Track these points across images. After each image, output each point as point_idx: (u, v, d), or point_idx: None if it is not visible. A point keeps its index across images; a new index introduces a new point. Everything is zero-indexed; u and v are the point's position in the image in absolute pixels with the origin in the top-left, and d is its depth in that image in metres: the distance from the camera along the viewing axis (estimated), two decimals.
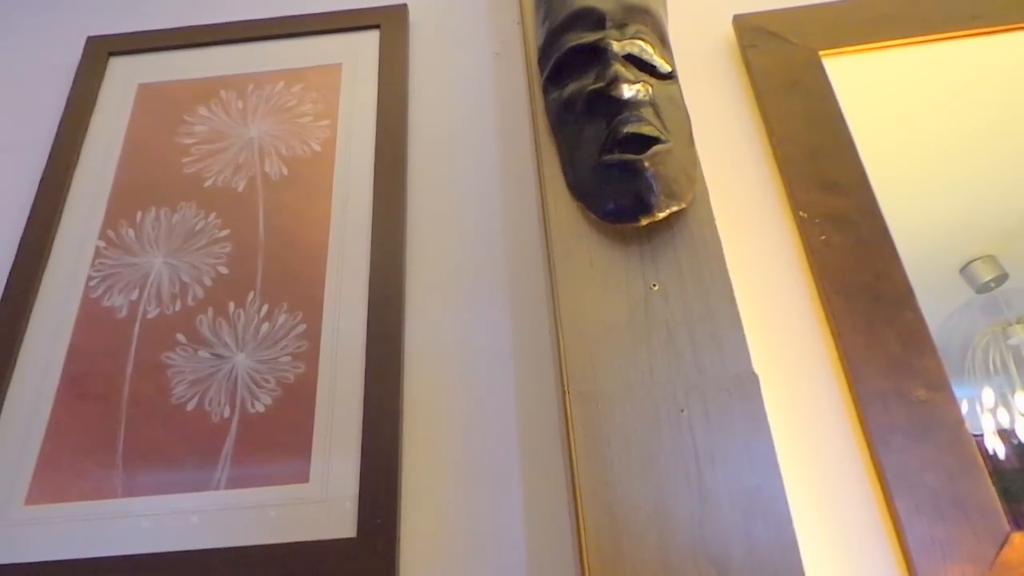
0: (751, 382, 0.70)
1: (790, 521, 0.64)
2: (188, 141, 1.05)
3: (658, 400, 0.70)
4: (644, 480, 0.66)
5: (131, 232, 0.98)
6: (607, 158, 0.79)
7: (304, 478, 0.79)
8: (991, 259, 0.88)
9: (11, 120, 1.12)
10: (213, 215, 0.98)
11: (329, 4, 1.17)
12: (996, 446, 0.78)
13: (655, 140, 0.78)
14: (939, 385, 0.76)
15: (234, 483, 0.80)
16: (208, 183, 1.01)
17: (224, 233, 0.97)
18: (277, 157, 1.02)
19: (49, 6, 1.26)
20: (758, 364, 0.72)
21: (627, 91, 0.80)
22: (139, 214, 0.99)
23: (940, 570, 0.67)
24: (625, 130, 0.78)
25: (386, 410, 0.81)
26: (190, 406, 0.85)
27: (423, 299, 0.90)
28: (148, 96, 1.11)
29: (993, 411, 0.80)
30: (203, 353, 0.88)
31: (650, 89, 0.82)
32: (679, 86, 0.89)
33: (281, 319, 0.90)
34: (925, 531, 0.69)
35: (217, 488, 0.80)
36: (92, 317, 0.92)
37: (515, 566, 0.74)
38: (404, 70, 1.07)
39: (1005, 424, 0.79)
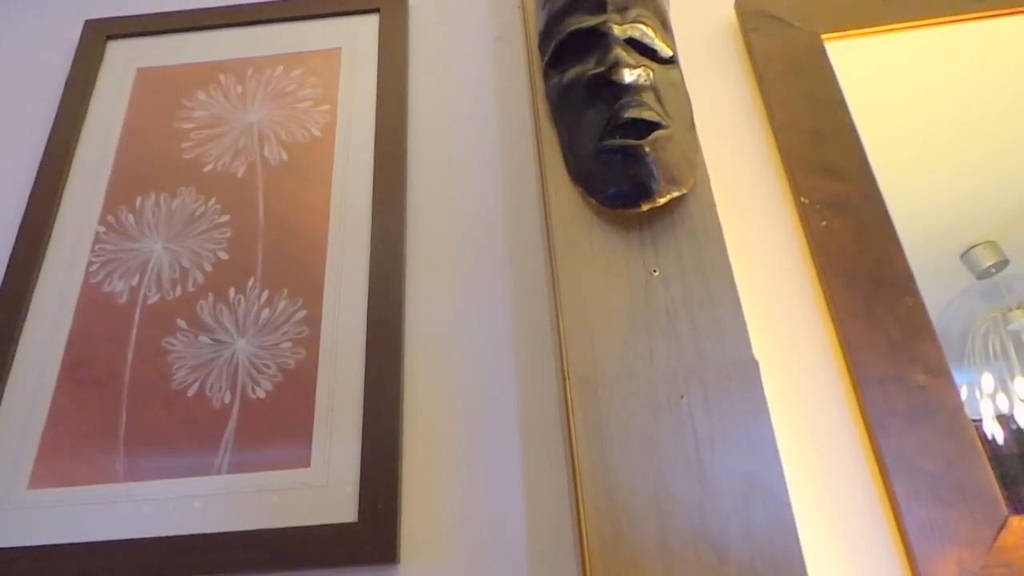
0: (751, 368, 0.70)
1: (789, 506, 0.64)
2: (187, 126, 1.05)
3: (658, 385, 0.70)
4: (644, 465, 0.66)
5: (131, 217, 0.98)
6: (608, 143, 0.79)
7: (305, 463, 0.80)
8: (992, 245, 0.88)
9: (9, 105, 1.12)
10: (213, 200, 0.98)
11: None
12: (995, 431, 0.78)
13: (656, 125, 0.78)
14: (939, 370, 0.76)
15: (236, 468, 0.80)
16: (208, 168, 1.01)
17: (224, 219, 0.97)
18: (277, 142, 1.02)
19: None
20: (758, 349, 0.72)
21: (628, 76, 0.80)
22: (139, 199, 0.99)
23: (938, 554, 0.68)
24: (626, 115, 0.78)
25: (387, 395, 0.82)
26: (191, 391, 0.85)
27: (423, 285, 0.90)
28: (147, 80, 1.10)
29: (992, 396, 0.80)
30: (204, 339, 0.88)
31: (651, 74, 0.82)
32: (680, 71, 0.88)
33: (281, 305, 0.90)
34: (924, 515, 0.69)
35: (219, 473, 0.80)
36: (92, 303, 0.92)
37: (515, 550, 0.74)
38: (404, 54, 1.07)
39: (1004, 409, 0.80)
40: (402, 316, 0.87)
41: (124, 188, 1.00)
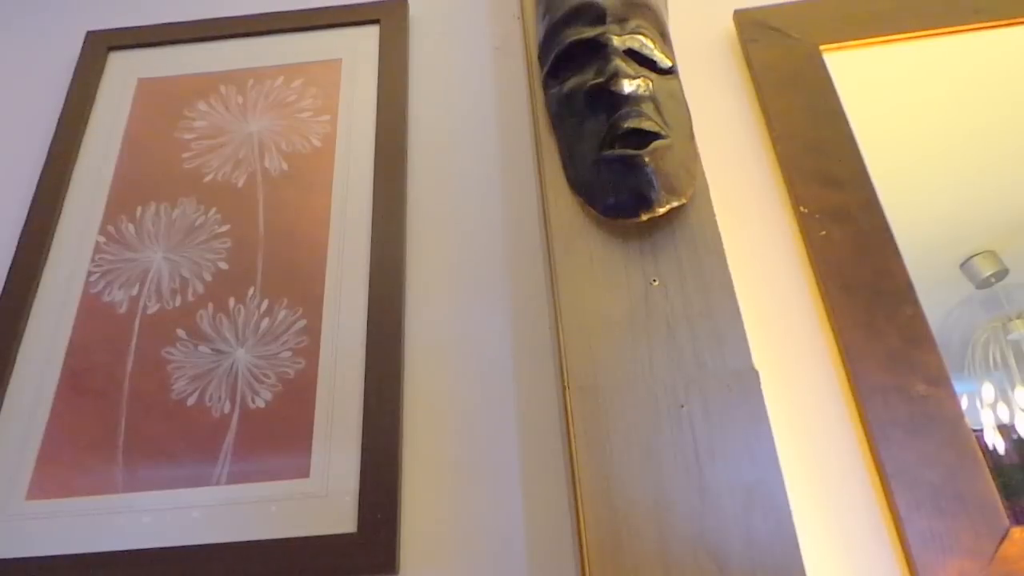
0: (751, 377, 0.70)
1: (790, 516, 0.64)
2: (188, 136, 1.05)
3: (658, 395, 0.70)
4: (644, 475, 0.66)
5: (131, 227, 0.98)
6: (607, 153, 0.79)
7: (304, 473, 0.79)
8: (991, 254, 0.88)
9: (10, 115, 1.12)
10: (213, 210, 0.98)
11: None
12: (996, 441, 0.78)
13: (655, 135, 0.78)
14: (939, 380, 0.76)
15: (235, 478, 0.80)
16: (208, 178, 1.01)
17: (224, 228, 0.97)
18: (277, 152, 1.02)
19: (48, 1, 1.26)
20: (758, 359, 0.72)
21: (627, 86, 0.80)
22: (139, 209, 0.99)
23: (940, 564, 0.67)
24: (625, 125, 0.78)
25: (386, 405, 0.81)
26: (190, 401, 0.85)
27: (423, 294, 0.90)
28: (148, 91, 1.10)
29: (993, 406, 0.80)
30: (203, 348, 0.88)
31: (650, 84, 0.82)
32: (679, 81, 0.88)
33: (281, 315, 0.90)
34: (925, 526, 0.69)
35: (218, 483, 0.80)
36: (92, 312, 0.92)
37: (515, 560, 0.74)
38: (404, 65, 1.07)
39: (1005, 419, 0.79)
40: (402, 326, 0.87)
41: (124, 198, 1.01)
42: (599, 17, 0.86)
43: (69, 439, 0.83)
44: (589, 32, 0.86)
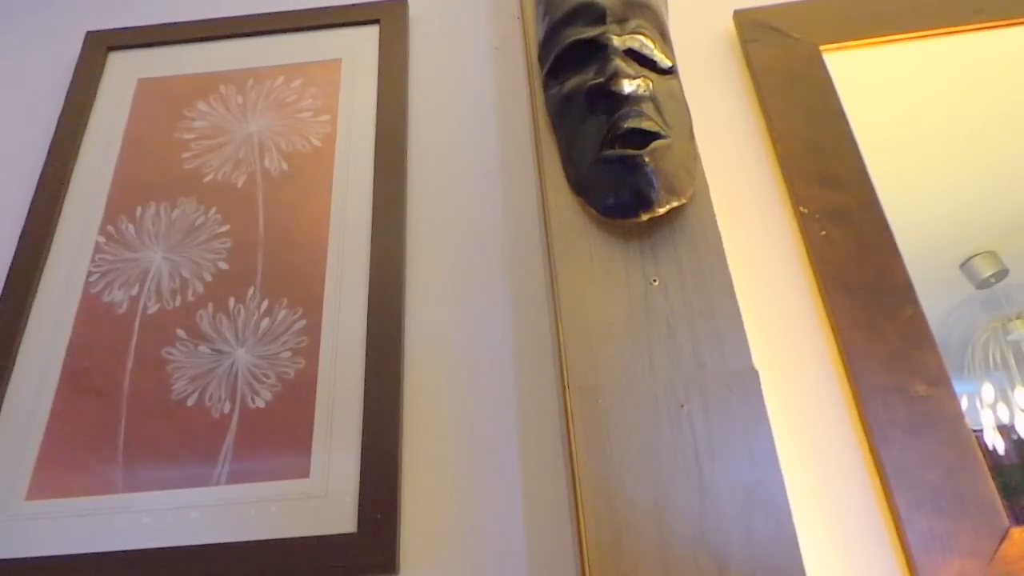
0: (751, 378, 0.70)
1: (790, 516, 0.64)
2: (188, 136, 1.05)
3: (658, 395, 0.70)
4: (644, 475, 0.66)
5: (131, 227, 0.98)
6: (607, 153, 0.79)
7: (304, 473, 0.79)
8: (991, 255, 0.88)
9: (10, 116, 1.12)
10: (213, 210, 0.98)
11: None
12: (996, 442, 0.78)
13: (655, 135, 0.78)
14: (939, 380, 0.76)
15: (234, 478, 0.80)
16: (208, 178, 1.01)
17: (224, 228, 0.97)
18: (277, 152, 1.02)
19: (48, 1, 1.26)
20: (758, 359, 0.72)
21: (627, 86, 0.80)
22: (139, 209, 0.99)
23: (940, 565, 0.67)
24: (625, 125, 0.78)
25: (386, 405, 0.81)
26: (190, 401, 0.85)
27: (423, 294, 0.90)
28: (147, 91, 1.10)
29: (993, 407, 0.80)
30: (203, 348, 0.88)
31: (650, 84, 0.82)
32: (679, 81, 0.88)
33: (281, 315, 0.90)
34: (925, 526, 0.69)
35: (217, 483, 0.80)
36: (92, 312, 0.92)
37: (516, 561, 0.74)
38: (404, 65, 1.07)
39: (1005, 420, 0.79)
40: (402, 326, 0.87)
41: (124, 198, 1.01)
42: (599, 17, 0.86)
43: (69, 439, 0.83)
44: (589, 32, 0.86)
